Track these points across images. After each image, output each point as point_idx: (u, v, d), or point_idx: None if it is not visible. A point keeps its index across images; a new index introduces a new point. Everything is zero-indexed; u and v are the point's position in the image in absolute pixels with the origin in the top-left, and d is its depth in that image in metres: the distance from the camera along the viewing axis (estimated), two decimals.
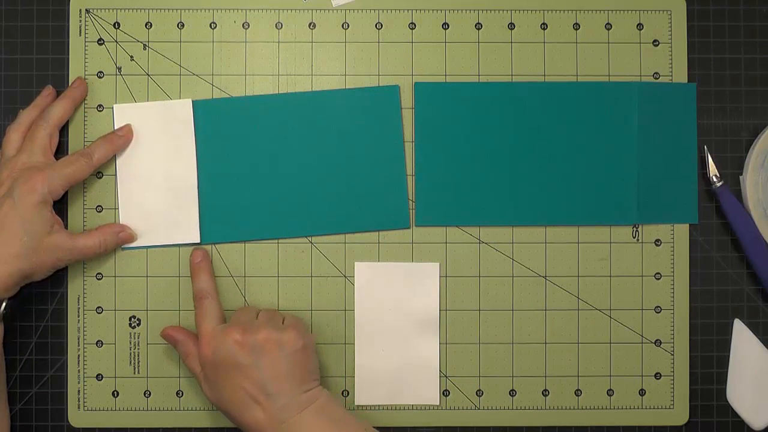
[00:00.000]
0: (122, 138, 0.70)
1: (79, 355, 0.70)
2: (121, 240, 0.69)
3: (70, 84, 0.70)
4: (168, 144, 0.70)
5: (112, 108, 0.70)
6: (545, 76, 0.71)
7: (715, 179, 0.71)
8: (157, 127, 0.70)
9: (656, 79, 0.72)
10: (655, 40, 0.72)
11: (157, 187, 0.70)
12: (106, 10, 0.71)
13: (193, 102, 0.70)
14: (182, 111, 0.70)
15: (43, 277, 0.66)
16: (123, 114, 0.71)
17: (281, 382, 0.62)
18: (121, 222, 0.70)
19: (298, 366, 0.63)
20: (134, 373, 0.71)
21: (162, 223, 0.70)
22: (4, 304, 0.65)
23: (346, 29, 0.72)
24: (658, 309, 0.71)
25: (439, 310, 0.71)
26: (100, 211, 0.70)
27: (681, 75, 0.72)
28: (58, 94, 0.70)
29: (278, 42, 0.71)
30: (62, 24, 0.71)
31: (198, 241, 0.70)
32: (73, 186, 0.67)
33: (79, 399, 0.70)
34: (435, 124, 0.71)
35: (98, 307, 0.71)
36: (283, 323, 0.65)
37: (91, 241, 0.67)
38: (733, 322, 0.72)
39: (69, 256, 0.66)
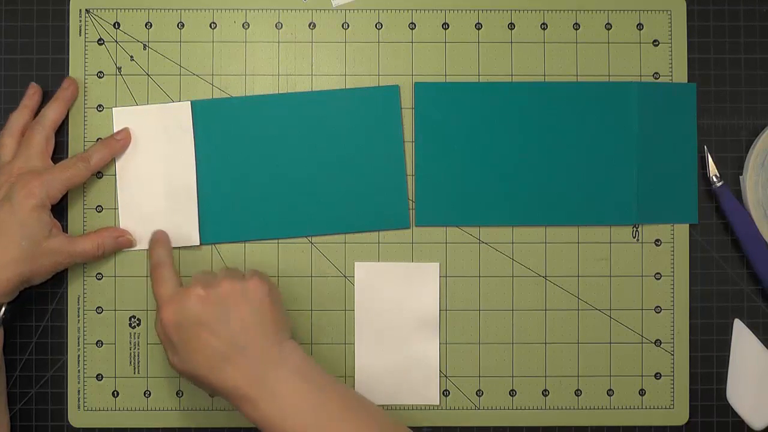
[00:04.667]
0: (120, 142, 0.69)
1: (79, 355, 0.70)
2: (119, 245, 0.69)
3: (61, 86, 0.70)
4: (167, 146, 0.70)
5: (112, 111, 0.70)
6: (545, 76, 0.71)
7: (715, 179, 0.71)
8: (156, 129, 0.70)
9: (656, 79, 0.72)
10: (655, 40, 0.72)
11: (156, 190, 0.70)
12: (106, 10, 0.71)
13: (193, 102, 0.70)
14: (181, 113, 0.70)
15: (42, 280, 0.66)
16: (122, 117, 0.70)
17: (250, 332, 0.60)
18: (121, 225, 0.70)
19: (267, 315, 0.61)
20: (134, 373, 0.71)
21: (162, 226, 0.70)
22: (3, 308, 0.65)
23: (346, 29, 0.72)
24: (658, 309, 0.71)
25: (439, 310, 0.71)
26: (100, 212, 0.70)
27: (681, 75, 0.72)
28: (46, 92, 0.70)
29: (278, 42, 0.71)
30: (62, 24, 0.71)
31: (198, 243, 0.70)
32: (71, 190, 0.67)
33: (79, 399, 0.70)
34: (435, 124, 0.71)
35: (98, 307, 0.71)
36: (244, 275, 0.62)
37: (89, 244, 0.67)
38: (733, 322, 0.72)
39: (67, 260, 0.66)
